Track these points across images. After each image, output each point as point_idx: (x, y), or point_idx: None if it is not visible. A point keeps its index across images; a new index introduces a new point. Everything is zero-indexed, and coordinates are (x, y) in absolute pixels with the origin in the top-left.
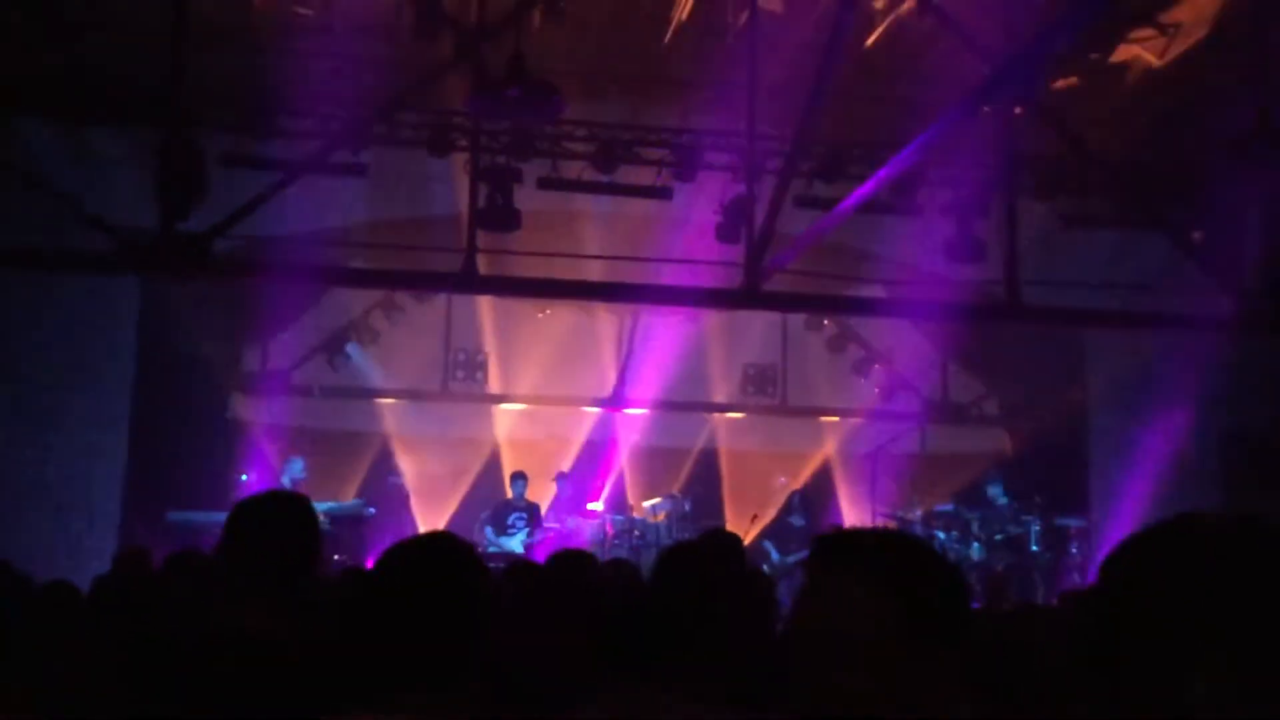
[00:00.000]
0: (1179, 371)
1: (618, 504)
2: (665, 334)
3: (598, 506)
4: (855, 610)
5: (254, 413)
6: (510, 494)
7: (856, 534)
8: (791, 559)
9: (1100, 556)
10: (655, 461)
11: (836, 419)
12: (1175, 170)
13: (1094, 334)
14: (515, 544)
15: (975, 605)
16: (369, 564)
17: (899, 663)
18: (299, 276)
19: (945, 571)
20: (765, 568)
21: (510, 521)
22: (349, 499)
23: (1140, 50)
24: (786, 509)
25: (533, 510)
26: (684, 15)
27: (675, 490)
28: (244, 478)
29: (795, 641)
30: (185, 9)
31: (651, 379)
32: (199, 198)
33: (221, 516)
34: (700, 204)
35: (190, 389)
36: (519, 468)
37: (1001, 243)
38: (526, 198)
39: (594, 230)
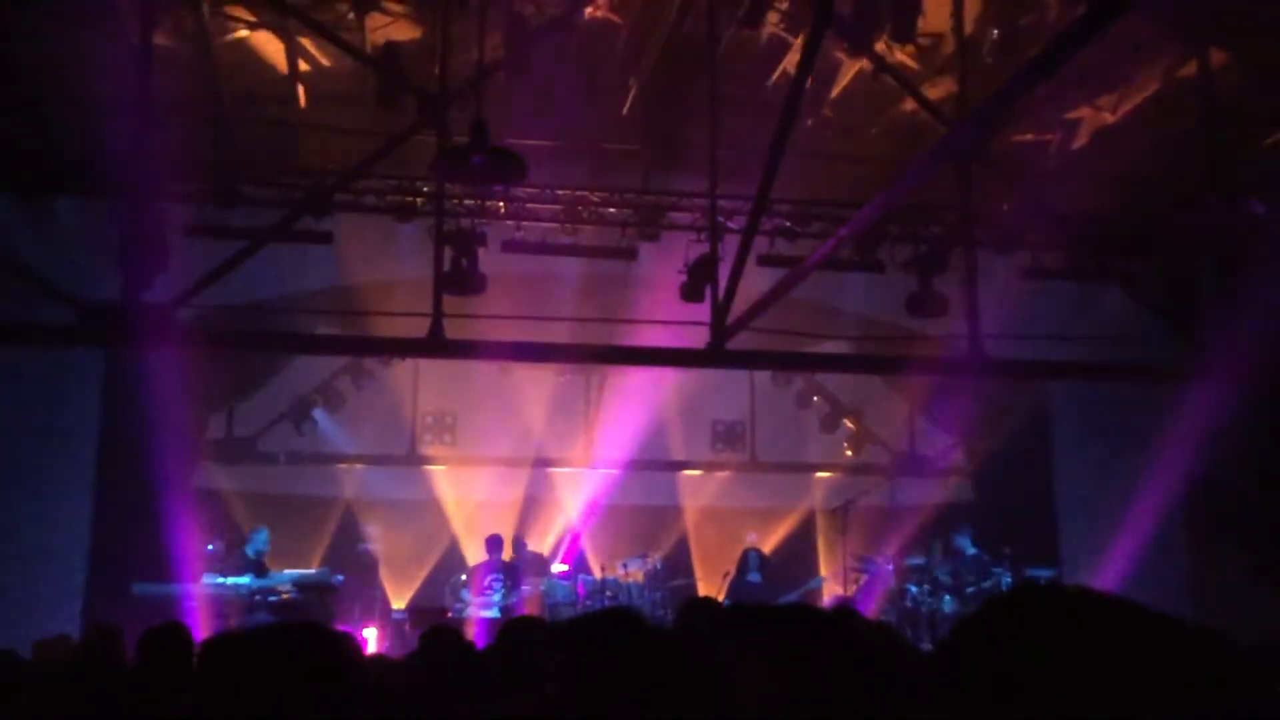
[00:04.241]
0: (1142, 421)
1: (587, 564)
2: (633, 393)
3: (563, 567)
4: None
5: (220, 481)
6: (487, 556)
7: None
8: None
9: None
10: (626, 520)
11: (806, 474)
12: (1130, 223)
13: (1058, 384)
14: (492, 606)
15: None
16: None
17: None
18: (264, 344)
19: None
20: None
21: (488, 583)
22: (317, 566)
23: (1092, 107)
24: (743, 568)
25: (510, 572)
26: (645, 77)
27: (647, 549)
28: (210, 547)
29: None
30: (148, 81)
31: (621, 438)
32: (162, 267)
33: (187, 588)
34: (665, 264)
35: (154, 458)
36: (488, 529)
37: (963, 297)
38: (492, 261)
39: (561, 291)
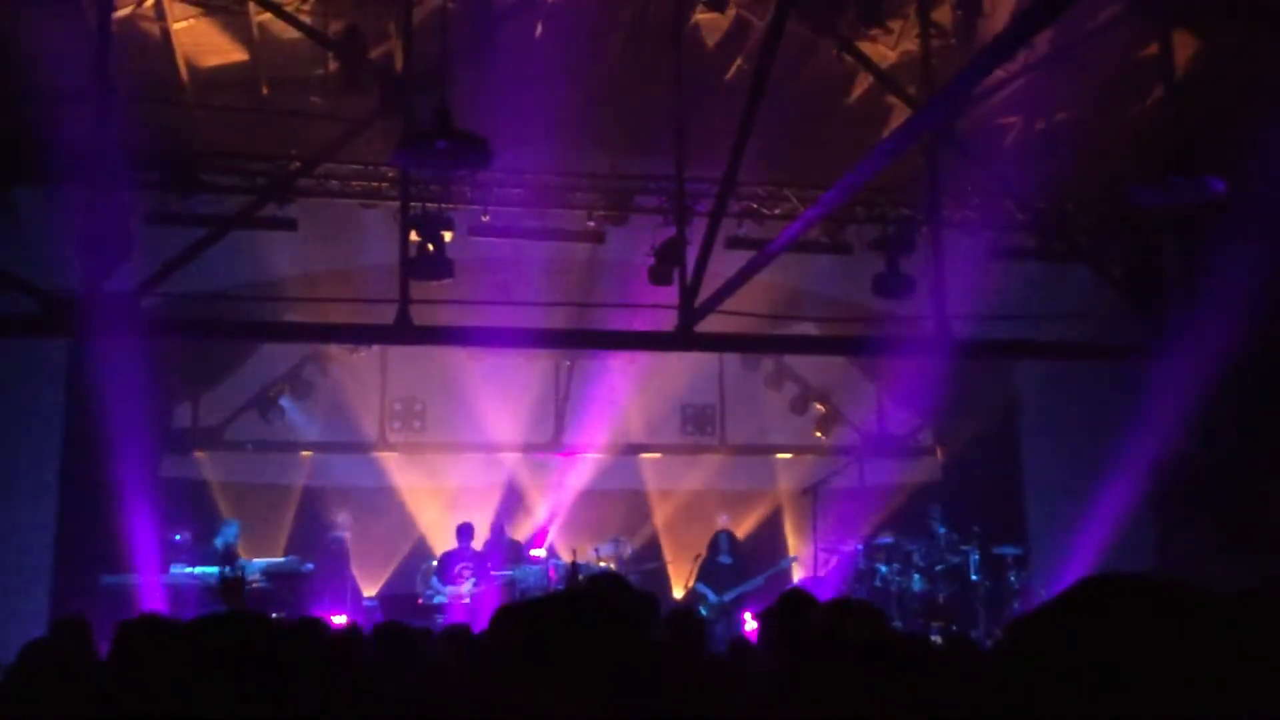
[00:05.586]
0: (1109, 399)
1: (557, 549)
2: (603, 377)
3: (540, 553)
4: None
5: (187, 471)
6: (457, 544)
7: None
8: (728, 597)
9: (1036, 584)
10: (598, 505)
11: (776, 456)
12: (1095, 203)
13: (1025, 363)
14: (463, 592)
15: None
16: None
17: None
18: (229, 333)
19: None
20: (703, 609)
21: (458, 570)
22: (285, 554)
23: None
24: (714, 549)
25: (480, 560)
26: (611, 60)
27: (619, 534)
28: (177, 538)
29: None
30: (106, 66)
31: (590, 422)
32: (124, 256)
33: (154, 579)
34: (633, 247)
35: (120, 449)
36: (458, 517)
37: (930, 277)
38: (460, 246)
39: (528, 276)
